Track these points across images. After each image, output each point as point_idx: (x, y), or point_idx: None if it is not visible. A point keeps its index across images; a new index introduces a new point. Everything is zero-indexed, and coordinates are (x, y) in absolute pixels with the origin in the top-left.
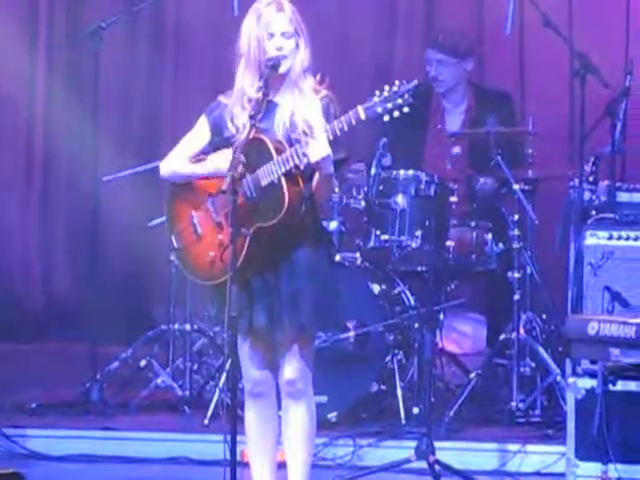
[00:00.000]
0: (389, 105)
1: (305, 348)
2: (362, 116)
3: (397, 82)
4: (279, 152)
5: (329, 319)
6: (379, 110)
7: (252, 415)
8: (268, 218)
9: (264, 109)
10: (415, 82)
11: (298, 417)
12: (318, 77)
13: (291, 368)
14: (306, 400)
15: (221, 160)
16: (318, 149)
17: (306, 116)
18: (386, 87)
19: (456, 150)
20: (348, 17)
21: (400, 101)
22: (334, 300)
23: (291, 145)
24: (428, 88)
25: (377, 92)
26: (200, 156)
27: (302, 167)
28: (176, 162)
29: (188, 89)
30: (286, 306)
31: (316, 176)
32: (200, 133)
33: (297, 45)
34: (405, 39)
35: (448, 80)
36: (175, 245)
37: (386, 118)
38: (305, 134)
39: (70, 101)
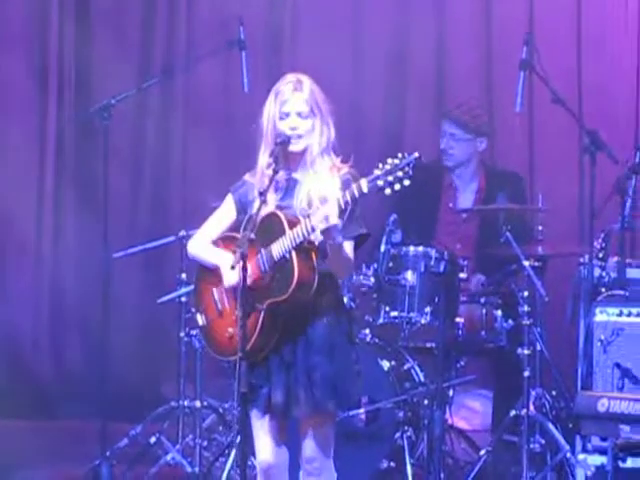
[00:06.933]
0: (390, 178)
1: (324, 426)
2: (364, 189)
3: (399, 155)
4: (293, 227)
5: (346, 398)
6: (380, 183)
7: None
8: (280, 293)
9: (285, 186)
10: (416, 155)
11: None
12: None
13: (310, 446)
14: (325, 478)
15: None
16: (323, 217)
17: (322, 194)
18: (388, 160)
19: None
20: (361, 90)
21: (401, 174)
22: (352, 379)
23: None
24: (440, 165)
25: (380, 165)
26: (227, 233)
27: (316, 242)
28: (200, 245)
29: (198, 166)
30: (301, 382)
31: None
32: (226, 211)
33: (313, 126)
34: (416, 118)
35: (457, 155)
36: (200, 322)
37: (388, 191)
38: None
39: (79, 177)
